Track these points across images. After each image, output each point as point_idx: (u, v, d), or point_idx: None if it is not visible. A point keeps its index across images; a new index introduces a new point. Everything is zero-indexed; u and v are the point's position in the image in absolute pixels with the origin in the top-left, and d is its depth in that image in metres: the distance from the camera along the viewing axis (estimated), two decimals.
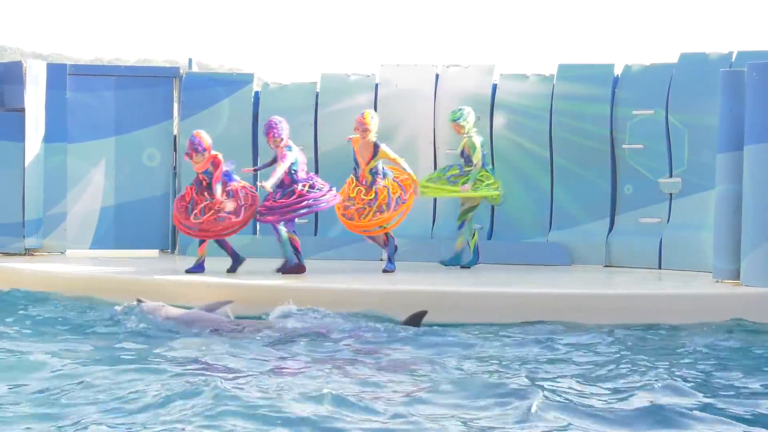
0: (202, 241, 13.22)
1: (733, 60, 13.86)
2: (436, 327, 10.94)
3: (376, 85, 15.32)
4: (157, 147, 15.22)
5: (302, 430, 7.22)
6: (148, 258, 14.18)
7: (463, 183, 13.75)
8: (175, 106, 15.49)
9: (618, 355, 9.86)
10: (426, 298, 11.74)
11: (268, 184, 12.90)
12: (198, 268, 13.17)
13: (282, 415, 7.48)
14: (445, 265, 14.07)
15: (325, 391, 8.03)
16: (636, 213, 14.50)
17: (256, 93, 15.56)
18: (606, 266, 14.43)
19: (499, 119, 14.96)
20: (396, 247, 13.64)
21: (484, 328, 11.16)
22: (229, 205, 13.05)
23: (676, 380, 8.83)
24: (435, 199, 15.05)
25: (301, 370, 9.15)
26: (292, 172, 13.15)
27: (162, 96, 15.37)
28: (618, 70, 14.72)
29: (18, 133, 14.70)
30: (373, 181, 13.40)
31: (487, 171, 13.91)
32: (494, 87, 15.05)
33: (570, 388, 8.55)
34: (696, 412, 7.80)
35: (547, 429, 7.38)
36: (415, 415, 7.61)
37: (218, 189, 13.00)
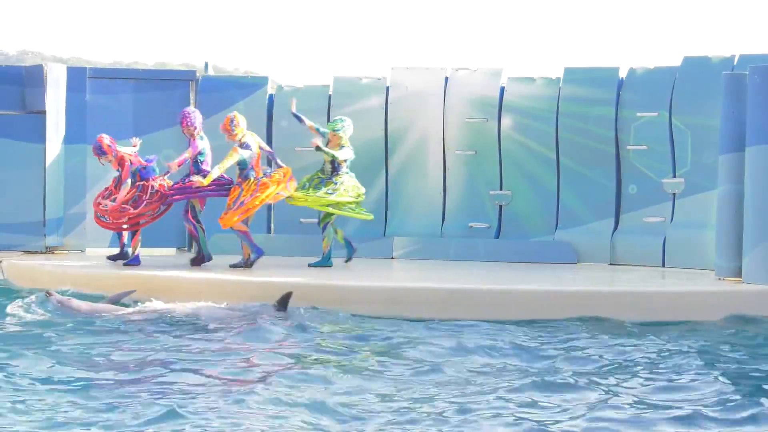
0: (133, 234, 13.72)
1: (735, 63, 13.84)
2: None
3: (387, 87, 15.32)
4: (174, 148, 15.20)
5: None
6: (165, 256, 14.19)
7: (327, 186, 13.59)
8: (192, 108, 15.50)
9: (621, 351, 9.86)
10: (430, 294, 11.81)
11: (174, 163, 13.44)
12: (134, 260, 13.60)
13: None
14: (315, 266, 13.74)
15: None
16: (640, 212, 14.48)
17: (271, 96, 15.57)
18: (611, 264, 14.41)
19: (507, 121, 14.95)
20: (256, 250, 13.55)
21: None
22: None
23: (678, 375, 8.84)
24: (444, 198, 15.06)
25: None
26: (199, 161, 13.51)
27: (179, 98, 15.38)
28: (623, 73, 14.70)
29: (39, 135, 14.73)
30: (239, 180, 13.59)
31: (353, 186, 13.71)
32: (502, 89, 15.04)
33: (570, 383, 8.55)
34: (696, 406, 7.80)
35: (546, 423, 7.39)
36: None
37: (123, 189, 13.43)
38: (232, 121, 13.47)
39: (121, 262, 13.74)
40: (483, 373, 8.94)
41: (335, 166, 13.68)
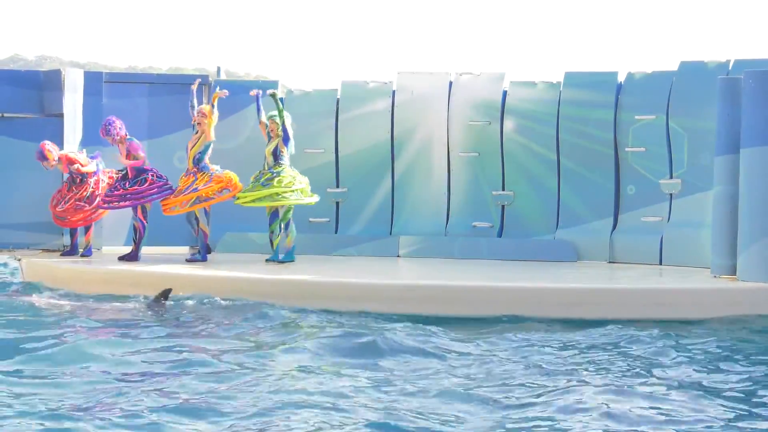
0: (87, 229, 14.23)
1: (730, 68, 13.82)
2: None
3: (393, 91, 15.32)
4: (187, 150, 15.22)
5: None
6: (177, 254, 14.19)
7: (264, 177, 13.58)
8: None
9: (619, 347, 9.85)
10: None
11: (129, 164, 13.79)
12: (87, 252, 14.20)
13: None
14: (280, 262, 13.68)
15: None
16: (638, 212, 14.47)
17: (281, 99, 15.55)
18: (610, 262, 14.42)
19: (509, 124, 14.95)
20: (205, 243, 13.86)
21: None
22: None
23: (674, 370, 8.83)
24: (448, 199, 15.05)
25: None
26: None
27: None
28: (621, 78, 14.70)
29: (57, 137, 14.72)
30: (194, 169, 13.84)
31: (289, 175, 13.63)
32: (504, 93, 15.03)
33: (567, 381, 8.53)
34: (693, 402, 7.78)
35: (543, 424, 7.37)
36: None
37: (88, 165, 14.04)
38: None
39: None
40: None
41: (276, 156, 13.68)
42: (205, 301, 11.79)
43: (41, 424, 6.93)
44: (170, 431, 6.91)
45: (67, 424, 6.95)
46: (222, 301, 11.76)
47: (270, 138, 13.80)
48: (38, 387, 7.95)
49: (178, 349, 9.44)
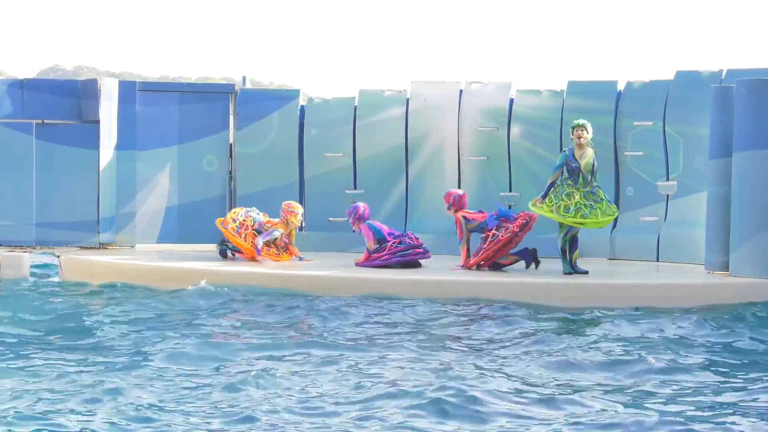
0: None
1: (723, 77, 13.79)
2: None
3: (407, 99, 15.31)
4: (215, 154, 15.26)
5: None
6: (207, 251, 14.21)
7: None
8: (231, 118, 15.50)
9: (616, 340, 9.84)
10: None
11: None
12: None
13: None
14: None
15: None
16: (637, 212, 14.45)
17: (302, 107, 15.57)
18: (610, 259, 14.39)
19: (516, 130, 14.93)
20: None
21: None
22: None
23: (672, 359, 8.82)
24: None
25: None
26: None
27: (220, 109, 15.40)
28: (621, 86, 14.68)
29: (94, 142, 14.79)
30: None
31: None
32: (511, 101, 15.02)
33: (566, 369, 8.51)
34: (686, 389, 7.77)
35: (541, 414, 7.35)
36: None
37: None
38: None
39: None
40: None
41: (593, 170, 12.84)
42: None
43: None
44: None
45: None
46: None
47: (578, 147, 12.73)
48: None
49: None
